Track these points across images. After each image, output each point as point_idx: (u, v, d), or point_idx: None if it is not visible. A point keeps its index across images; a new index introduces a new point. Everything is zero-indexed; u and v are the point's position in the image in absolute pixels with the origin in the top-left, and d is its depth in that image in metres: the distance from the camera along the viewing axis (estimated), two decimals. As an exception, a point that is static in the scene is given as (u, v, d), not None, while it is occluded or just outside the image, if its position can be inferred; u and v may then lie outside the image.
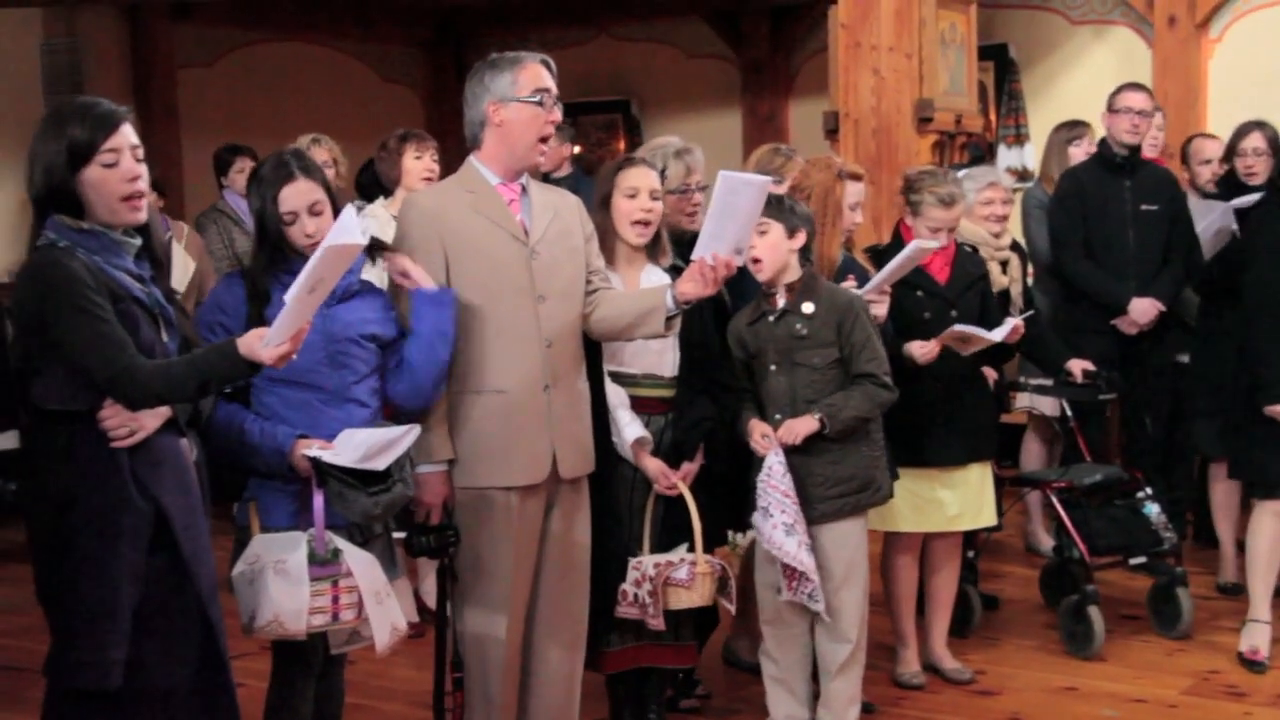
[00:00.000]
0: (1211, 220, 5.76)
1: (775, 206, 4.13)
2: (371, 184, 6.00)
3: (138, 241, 3.15)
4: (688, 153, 4.53)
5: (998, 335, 4.70)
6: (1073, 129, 6.72)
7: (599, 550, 4.03)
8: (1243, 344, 5.03)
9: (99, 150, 3.04)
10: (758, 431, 4.16)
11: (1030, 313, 5.14)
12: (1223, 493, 5.86)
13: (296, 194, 3.52)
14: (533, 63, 3.79)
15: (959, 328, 4.65)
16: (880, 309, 4.46)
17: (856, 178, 4.76)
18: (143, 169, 3.11)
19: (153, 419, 3.08)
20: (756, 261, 4.16)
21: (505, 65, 3.78)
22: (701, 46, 10.33)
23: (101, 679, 3.02)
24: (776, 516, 4.07)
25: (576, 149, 7.97)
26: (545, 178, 7.08)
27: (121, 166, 3.06)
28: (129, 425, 3.05)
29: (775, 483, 4.09)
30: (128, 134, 3.09)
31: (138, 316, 3.07)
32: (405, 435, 3.46)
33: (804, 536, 4.08)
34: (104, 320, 2.98)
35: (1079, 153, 6.58)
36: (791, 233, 4.18)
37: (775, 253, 4.18)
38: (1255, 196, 5.49)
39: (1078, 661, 5.11)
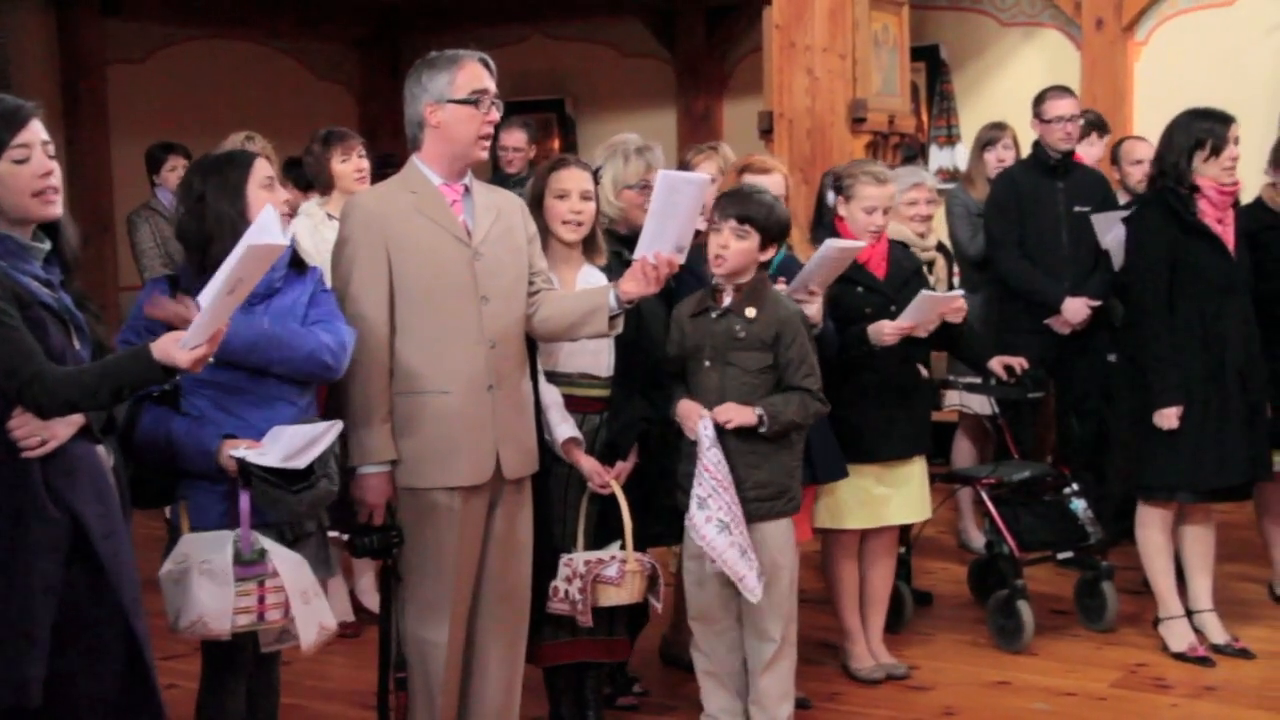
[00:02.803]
0: (1116, 232, 5.80)
1: (765, 219, 4.11)
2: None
3: (46, 246, 3.06)
4: (648, 150, 4.55)
5: (959, 293, 4.80)
6: (990, 131, 6.78)
7: (534, 546, 4.02)
8: (1129, 350, 5.09)
9: (8, 146, 2.95)
10: (688, 408, 4.12)
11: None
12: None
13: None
14: (470, 62, 3.76)
15: (926, 294, 4.67)
16: (810, 309, 4.42)
17: (764, 170, 4.70)
18: (55, 165, 3.03)
19: (65, 427, 2.97)
20: (719, 258, 4.13)
21: (443, 65, 3.76)
22: (636, 46, 10.36)
23: (19, 697, 2.91)
24: (712, 510, 4.02)
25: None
26: (504, 179, 7.08)
27: (33, 162, 2.98)
28: (40, 435, 2.94)
29: (712, 469, 4.03)
30: (37, 129, 3.01)
31: (46, 322, 2.97)
32: (327, 432, 3.41)
33: (737, 537, 4.02)
34: (10, 326, 2.87)
35: (992, 158, 6.66)
36: (764, 247, 4.16)
37: (743, 259, 4.14)
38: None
39: (1009, 656, 5.17)
